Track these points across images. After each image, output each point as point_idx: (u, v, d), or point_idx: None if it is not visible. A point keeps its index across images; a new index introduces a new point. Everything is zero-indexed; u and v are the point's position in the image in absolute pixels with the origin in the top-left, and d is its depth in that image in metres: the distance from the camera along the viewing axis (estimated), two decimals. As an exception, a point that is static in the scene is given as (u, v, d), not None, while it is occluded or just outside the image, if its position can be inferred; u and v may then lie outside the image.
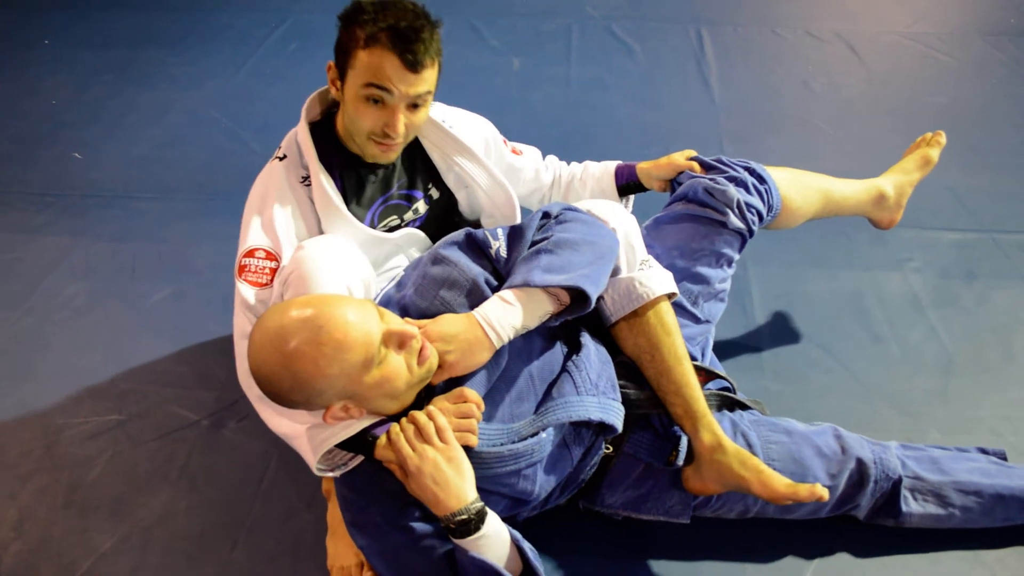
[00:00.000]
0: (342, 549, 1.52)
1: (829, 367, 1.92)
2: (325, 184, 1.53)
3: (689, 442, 1.45)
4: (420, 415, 1.25)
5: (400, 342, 1.21)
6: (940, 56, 3.27)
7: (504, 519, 1.35)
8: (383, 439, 1.26)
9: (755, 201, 1.66)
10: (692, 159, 1.77)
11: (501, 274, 1.39)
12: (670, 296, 1.49)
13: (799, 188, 1.77)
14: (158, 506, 1.66)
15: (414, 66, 1.42)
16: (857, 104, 2.99)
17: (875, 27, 3.50)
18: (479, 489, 1.27)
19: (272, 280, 1.48)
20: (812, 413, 1.75)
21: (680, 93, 3.08)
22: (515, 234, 1.40)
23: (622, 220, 1.50)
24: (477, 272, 1.36)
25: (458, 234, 1.42)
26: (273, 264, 1.49)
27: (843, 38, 3.39)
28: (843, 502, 1.50)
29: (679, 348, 1.46)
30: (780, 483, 1.35)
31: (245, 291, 1.48)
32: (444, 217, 1.76)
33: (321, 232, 1.56)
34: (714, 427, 1.42)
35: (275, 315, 1.18)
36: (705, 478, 1.43)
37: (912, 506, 1.50)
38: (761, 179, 1.69)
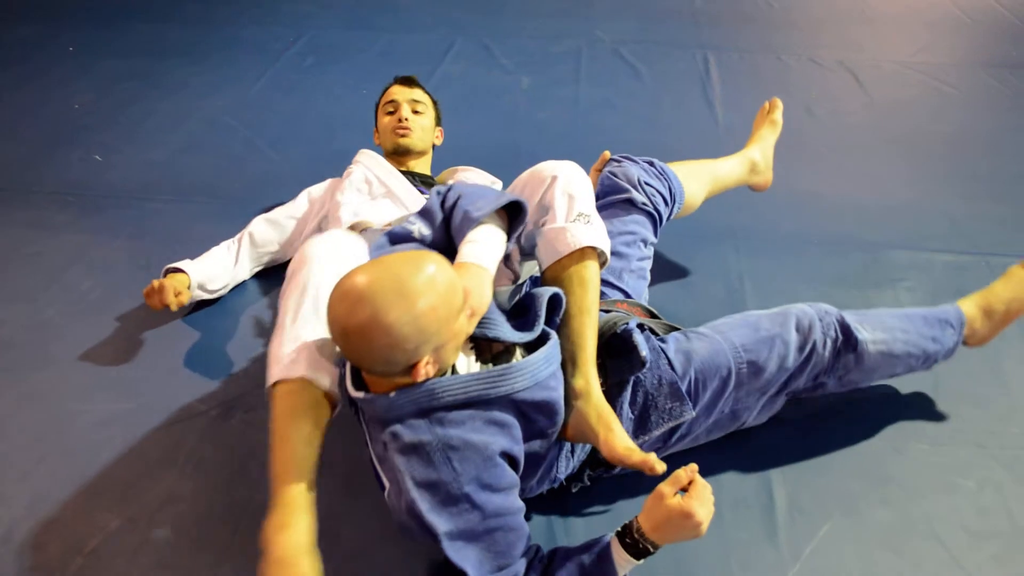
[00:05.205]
0: None
1: (819, 379, 1.97)
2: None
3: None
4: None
5: (465, 296, 1.32)
6: (942, 86, 3.34)
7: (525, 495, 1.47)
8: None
9: (655, 182, 1.91)
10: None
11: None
12: (600, 255, 1.60)
13: (692, 175, 2.05)
14: (164, 490, 1.72)
15: (408, 83, 2.37)
16: (858, 131, 3.06)
17: (878, 56, 3.59)
18: (531, 404, 1.39)
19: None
20: (803, 423, 1.83)
21: (685, 116, 3.16)
22: (426, 213, 1.57)
23: (564, 169, 1.63)
24: None
25: (381, 240, 1.54)
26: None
27: (846, 66, 3.47)
28: (802, 349, 1.64)
29: (587, 301, 1.54)
30: (620, 445, 1.42)
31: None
32: None
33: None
34: (589, 376, 1.50)
35: (394, 268, 1.26)
36: (566, 423, 1.50)
37: (864, 334, 1.68)
38: (660, 169, 1.95)
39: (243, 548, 1.61)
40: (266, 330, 2.09)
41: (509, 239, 1.56)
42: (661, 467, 1.37)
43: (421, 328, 1.23)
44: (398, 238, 1.54)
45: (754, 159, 2.25)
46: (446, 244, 1.56)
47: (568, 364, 1.51)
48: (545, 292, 1.51)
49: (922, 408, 1.89)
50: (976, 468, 1.74)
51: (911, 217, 2.55)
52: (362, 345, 1.24)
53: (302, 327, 1.54)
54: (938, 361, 1.79)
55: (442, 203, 1.57)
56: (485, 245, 1.48)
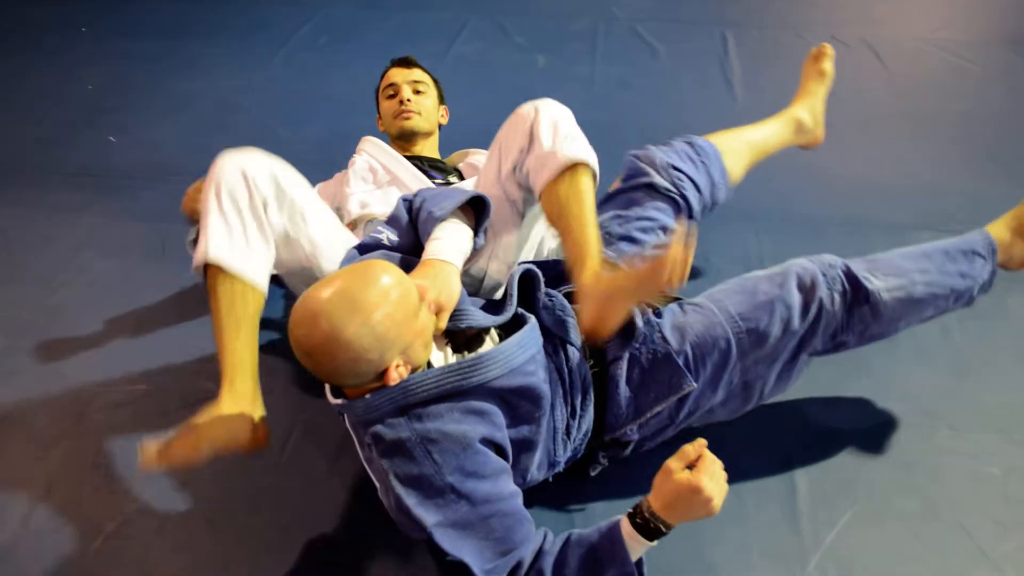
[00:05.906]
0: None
1: (842, 363, 1.92)
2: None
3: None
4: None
5: (421, 294, 1.33)
6: (963, 63, 3.28)
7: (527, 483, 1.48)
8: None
9: (685, 166, 1.80)
10: None
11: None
12: (592, 171, 1.58)
13: (729, 150, 1.92)
14: (181, 473, 1.72)
15: (406, 64, 2.31)
16: (879, 109, 3.00)
17: (899, 33, 3.52)
18: (510, 391, 1.37)
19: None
20: (825, 409, 1.82)
21: (703, 94, 3.11)
22: (393, 220, 1.61)
23: (545, 103, 1.66)
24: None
25: (352, 252, 1.56)
26: None
27: (867, 43, 3.41)
28: (807, 309, 1.55)
29: (585, 215, 1.53)
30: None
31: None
32: None
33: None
34: (597, 267, 1.49)
35: (343, 284, 1.27)
36: (585, 306, 1.48)
37: (875, 283, 1.56)
38: (699, 149, 1.84)
39: (260, 531, 1.61)
40: (279, 316, 2.09)
41: (476, 233, 1.59)
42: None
43: (380, 337, 1.25)
44: (367, 248, 1.57)
45: (799, 118, 2.09)
46: (416, 247, 1.58)
47: (575, 265, 1.51)
48: (517, 271, 1.54)
49: (945, 394, 1.86)
50: (1002, 455, 1.71)
51: (933, 197, 2.51)
52: (327, 363, 1.27)
53: (224, 217, 1.66)
54: (975, 296, 1.67)
55: (408, 208, 1.61)
56: (449, 240, 1.51)
